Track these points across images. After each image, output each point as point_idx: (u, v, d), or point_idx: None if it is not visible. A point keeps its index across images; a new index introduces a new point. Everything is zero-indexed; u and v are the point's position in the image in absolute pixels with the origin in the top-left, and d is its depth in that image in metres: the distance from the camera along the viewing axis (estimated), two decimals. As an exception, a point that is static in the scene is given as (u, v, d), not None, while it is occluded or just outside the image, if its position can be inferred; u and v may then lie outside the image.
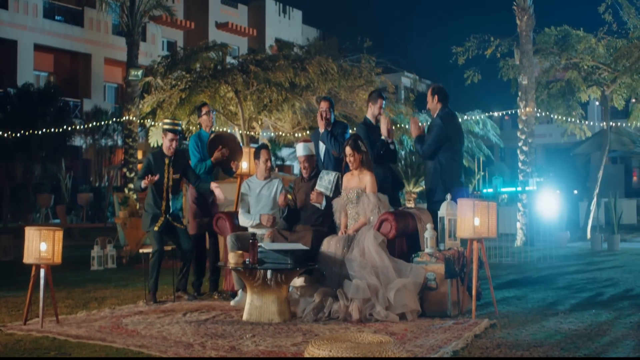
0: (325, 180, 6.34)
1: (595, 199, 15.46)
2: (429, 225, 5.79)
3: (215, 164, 7.06)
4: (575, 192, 23.93)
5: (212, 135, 7.09)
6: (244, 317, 5.49)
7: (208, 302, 6.43)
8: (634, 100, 16.55)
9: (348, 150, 6.11)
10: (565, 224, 13.67)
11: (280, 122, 17.71)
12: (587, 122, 17.45)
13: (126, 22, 18.79)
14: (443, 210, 5.95)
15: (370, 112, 6.83)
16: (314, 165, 6.58)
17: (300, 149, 6.49)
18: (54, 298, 5.49)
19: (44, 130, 18.88)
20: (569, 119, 15.96)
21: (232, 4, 38.55)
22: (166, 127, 6.68)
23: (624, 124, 17.86)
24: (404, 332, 4.87)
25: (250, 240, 5.51)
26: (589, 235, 14.92)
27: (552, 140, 34.69)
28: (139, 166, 18.85)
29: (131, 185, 17.86)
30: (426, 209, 6.44)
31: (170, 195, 6.61)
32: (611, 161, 29.65)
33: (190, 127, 16.39)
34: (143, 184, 6.41)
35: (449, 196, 6.02)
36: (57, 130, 19.44)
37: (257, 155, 6.63)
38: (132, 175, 18.23)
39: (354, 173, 6.17)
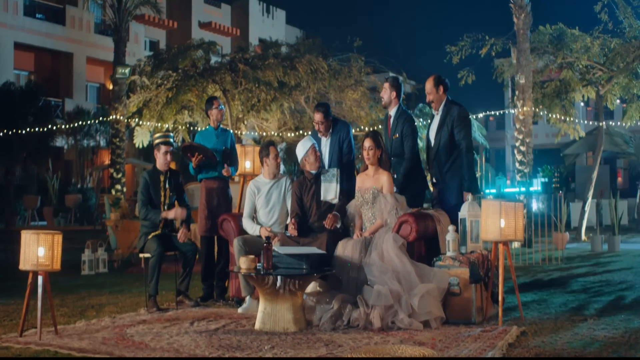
0: (330, 175, 6.06)
1: (590, 199, 15.32)
2: (451, 227, 5.48)
3: (197, 168, 6.75)
4: (560, 193, 23.87)
5: (184, 144, 6.79)
6: (257, 326, 5.14)
7: (214, 310, 6.06)
8: (618, 101, 16.40)
9: (368, 142, 5.76)
10: (564, 225, 13.44)
11: (266, 122, 17.35)
12: (582, 122, 17.30)
13: (113, 20, 18.36)
14: (464, 212, 5.64)
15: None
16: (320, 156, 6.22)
17: (307, 140, 6.10)
18: (53, 307, 5.09)
19: (26, 130, 18.32)
20: (567, 119, 15.78)
21: (216, 3, 38.07)
22: (158, 140, 6.46)
23: (615, 123, 17.76)
24: (432, 341, 4.56)
25: (265, 244, 5.14)
26: (583, 236, 14.77)
27: (537, 141, 34.64)
28: (127, 166, 18.38)
29: (118, 193, 17.33)
30: (443, 210, 6.12)
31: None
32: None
33: (178, 127, 15.99)
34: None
35: (470, 196, 5.73)
36: (40, 129, 18.89)
37: (265, 153, 6.23)
38: (119, 176, 17.73)
39: (369, 173, 5.85)
